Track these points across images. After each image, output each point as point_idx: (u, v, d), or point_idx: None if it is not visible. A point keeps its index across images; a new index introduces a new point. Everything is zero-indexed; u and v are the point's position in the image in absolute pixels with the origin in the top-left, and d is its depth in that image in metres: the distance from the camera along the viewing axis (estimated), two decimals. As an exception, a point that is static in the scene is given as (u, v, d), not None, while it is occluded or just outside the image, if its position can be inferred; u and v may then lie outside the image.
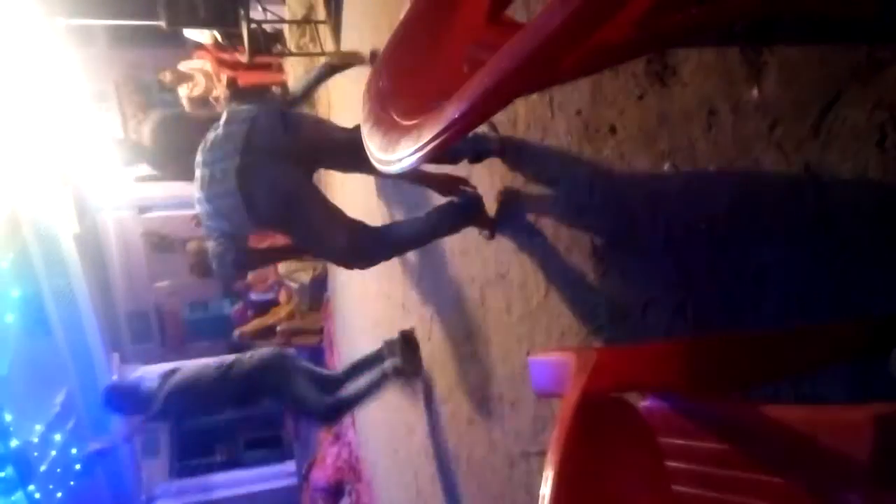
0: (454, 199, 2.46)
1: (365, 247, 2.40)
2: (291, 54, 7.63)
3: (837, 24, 1.05)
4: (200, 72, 8.03)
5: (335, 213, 2.38)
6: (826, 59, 1.05)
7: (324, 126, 2.52)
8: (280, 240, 2.62)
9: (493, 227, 2.38)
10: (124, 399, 3.61)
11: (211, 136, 2.35)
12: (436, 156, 0.97)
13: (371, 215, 4.34)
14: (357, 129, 2.17)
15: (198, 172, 2.34)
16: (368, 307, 4.22)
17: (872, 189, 0.99)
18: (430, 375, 3.39)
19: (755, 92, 1.19)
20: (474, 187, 2.46)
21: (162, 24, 5.95)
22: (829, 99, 1.05)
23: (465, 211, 2.41)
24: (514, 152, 2.19)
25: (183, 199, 8.34)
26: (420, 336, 3.54)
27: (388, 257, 2.55)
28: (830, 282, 1.07)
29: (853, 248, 1.03)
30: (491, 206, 2.39)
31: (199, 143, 2.37)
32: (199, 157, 2.35)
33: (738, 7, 1.06)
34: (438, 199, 2.59)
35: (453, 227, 2.48)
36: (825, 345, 0.97)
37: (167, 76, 8.07)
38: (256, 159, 2.21)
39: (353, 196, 5.09)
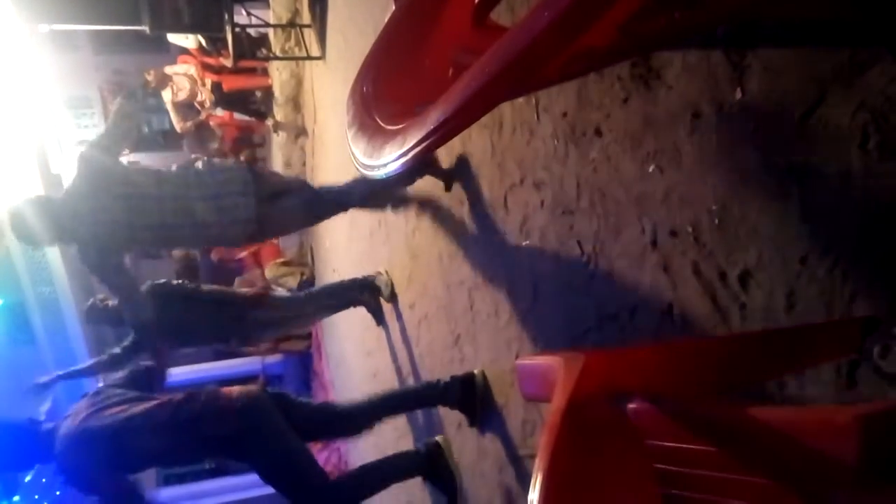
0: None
1: (324, 212, 3.12)
2: (277, 58, 7.60)
3: (819, 27, 1.05)
4: (185, 76, 7.98)
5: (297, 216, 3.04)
6: (809, 62, 1.06)
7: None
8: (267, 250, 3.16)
9: (448, 178, 2.68)
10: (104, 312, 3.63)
11: (204, 165, 2.81)
12: (420, 160, 0.97)
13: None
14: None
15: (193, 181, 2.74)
16: (358, 309, 4.21)
17: (856, 190, 1.00)
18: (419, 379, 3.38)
19: (739, 94, 1.19)
20: None
21: (146, 28, 5.92)
22: (812, 101, 1.05)
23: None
24: (500, 156, 2.20)
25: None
26: (409, 341, 3.54)
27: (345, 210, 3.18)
28: (815, 283, 1.07)
29: (837, 248, 1.04)
30: (479, 212, 2.39)
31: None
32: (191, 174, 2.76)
33: (722, 11, 1.06)
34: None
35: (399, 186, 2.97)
36: (811, 346, 0.97)
37: (152, 74, 8.01)
38: (264, 201, 2.81)
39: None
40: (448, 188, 2.72)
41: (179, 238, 2.79)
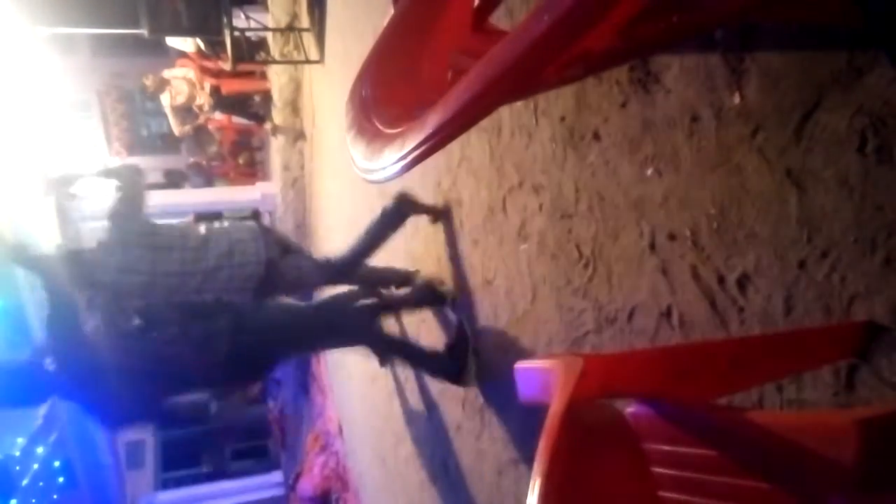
0: (386, 206, 2.93)
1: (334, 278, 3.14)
2: (275, 62, 7.61)
3: (818, 31, 1.06)
4: (183, 80, 7.98)
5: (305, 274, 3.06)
6: (807, 66, 1.06)
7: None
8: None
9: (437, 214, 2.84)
10: None
11: (215, 226, 2.93)
12: (419, 162, 0.97)
13: (357, 216, 4.33)
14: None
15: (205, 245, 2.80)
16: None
17: (853, 194, 1.00)
18: (417, 382, 3.38)
19: (737, 98, 1.19)
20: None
21: (144, 32, 5.93)
22: (810, 105, 1.06)
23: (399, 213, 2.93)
24: (499, 159, 2.20)
25: (166, 207, 8.29)
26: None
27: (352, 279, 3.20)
28: (813, 287, 1.07)
29: (835, 253, 1.04)
30: (478, 215, 2.39)
31: None
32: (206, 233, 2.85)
33: (720, 15, 1.07)
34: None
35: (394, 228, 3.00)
36: (809, 349, 0.98)
37: (150, 79, 8.02)
38: (273, 248, 2.90)
39: (338, 201, 5.07)
40: (436, 221, 2.88)
41: (192, 284, 2.85)
